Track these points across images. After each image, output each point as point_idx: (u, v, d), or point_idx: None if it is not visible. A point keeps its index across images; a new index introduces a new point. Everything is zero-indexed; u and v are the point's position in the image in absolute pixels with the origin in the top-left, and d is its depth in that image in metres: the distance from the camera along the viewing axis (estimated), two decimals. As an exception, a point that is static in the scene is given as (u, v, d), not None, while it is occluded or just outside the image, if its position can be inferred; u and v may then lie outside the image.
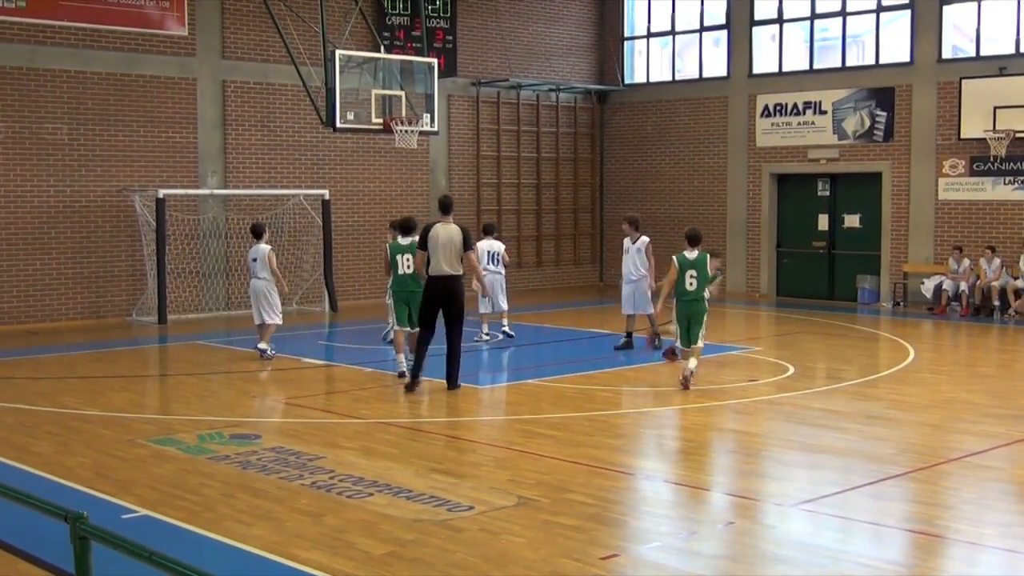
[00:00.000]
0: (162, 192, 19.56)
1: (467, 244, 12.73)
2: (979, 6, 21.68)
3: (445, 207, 12.93)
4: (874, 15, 23.07)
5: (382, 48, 20.44)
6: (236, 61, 21.43)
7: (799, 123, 23.91)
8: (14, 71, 18.87)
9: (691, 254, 13.21)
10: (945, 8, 22.02)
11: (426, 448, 10.30)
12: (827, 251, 23.99)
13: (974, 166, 21.53)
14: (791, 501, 8.50)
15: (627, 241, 16.33)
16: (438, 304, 12.67)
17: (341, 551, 7.19)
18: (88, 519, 4.42)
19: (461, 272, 12.76)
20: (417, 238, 13.11)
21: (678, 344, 13.60)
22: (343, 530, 7.63)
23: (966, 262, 20.81)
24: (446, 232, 12.66)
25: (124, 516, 7.98)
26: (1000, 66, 21.10)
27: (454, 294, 12.64)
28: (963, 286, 20.63)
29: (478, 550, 7.17)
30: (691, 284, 13.10)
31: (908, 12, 22.50)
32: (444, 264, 12.57)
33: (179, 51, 20.67)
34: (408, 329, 13.67)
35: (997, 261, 20.43)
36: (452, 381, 12.81)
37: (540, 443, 10.30)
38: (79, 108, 19.54)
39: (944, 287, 20.93)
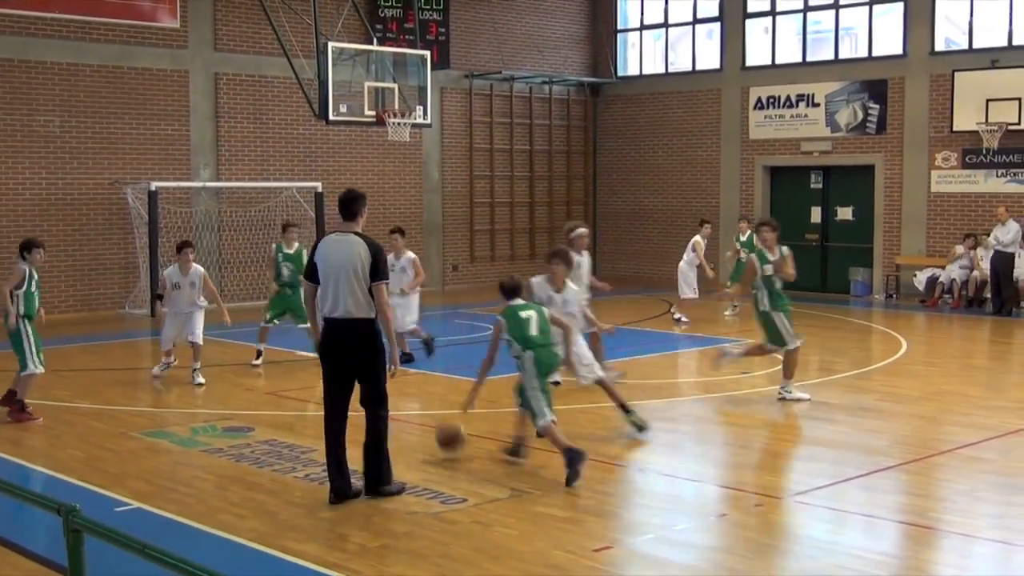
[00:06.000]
0: (154, 185, 19.52)
1: (377, 270, 8.04)
2: (972, -2, 21.71)
3: (347, 208, 8.22)
4: (867, 7, 23.07)
5: (375, 40, 20.40)
6: (228, 53, 21.39)
7: (792, 115, 23.91)
8: (5, 63, 18.81)
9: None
10: (938, 0, 22.02)
11: (420, 441, 10.29)
12: (820, 243, 24.01)
13: (966, 159, 21.55)
14: (784, 493, 8.51)
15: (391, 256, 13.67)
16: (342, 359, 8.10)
17: (335, 543, 7.19)
18: (81, 512, 4.41)
19: (372, 313, 8.06)
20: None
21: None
22: (337, 523, 7.63)
23: (977, 251, 20.50)
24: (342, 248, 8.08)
25: (117, 509, 7.98)
26: (992, 59, 21.11)
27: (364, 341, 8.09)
28: (956, 275, 20.59)
29: (472, 542, 7.17)
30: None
31: (901, 4, 22.50)
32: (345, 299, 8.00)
33: (171, 43, 20.62)
34: None
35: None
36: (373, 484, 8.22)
37: (533, 435, 10.27)
38: (71, 100, 19.49)
39: (940, 279, 20.88)
